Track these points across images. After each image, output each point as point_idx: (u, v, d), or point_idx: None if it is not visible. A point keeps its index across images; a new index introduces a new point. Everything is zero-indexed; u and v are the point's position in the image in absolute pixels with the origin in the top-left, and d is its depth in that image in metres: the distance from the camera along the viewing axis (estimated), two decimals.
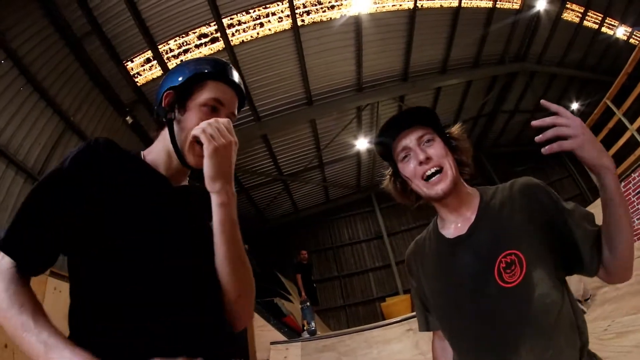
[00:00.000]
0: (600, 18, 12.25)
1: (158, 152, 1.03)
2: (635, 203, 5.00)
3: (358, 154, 13.15)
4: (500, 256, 1.00)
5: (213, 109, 0.99)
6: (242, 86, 1.07)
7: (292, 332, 6.48)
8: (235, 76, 1.05)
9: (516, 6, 10.80)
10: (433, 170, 1.09)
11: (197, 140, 0.93)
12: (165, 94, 1.01)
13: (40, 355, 0.73)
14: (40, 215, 0.84)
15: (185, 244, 0.92)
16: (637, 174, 4.99)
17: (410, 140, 1.14)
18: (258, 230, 14.07)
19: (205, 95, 0.98)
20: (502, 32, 11.09)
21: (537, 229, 1.02)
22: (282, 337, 5.55)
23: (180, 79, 1.00)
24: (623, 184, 5.03)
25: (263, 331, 5.39)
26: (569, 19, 11.89)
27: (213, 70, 1.01)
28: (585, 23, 12.18)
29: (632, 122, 5.46)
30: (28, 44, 6.27)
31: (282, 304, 7.99)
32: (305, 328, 7.03)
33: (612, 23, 12.55)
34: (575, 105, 14.68)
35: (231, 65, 1.07)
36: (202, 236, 0.95)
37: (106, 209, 0.86)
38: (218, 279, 0.93)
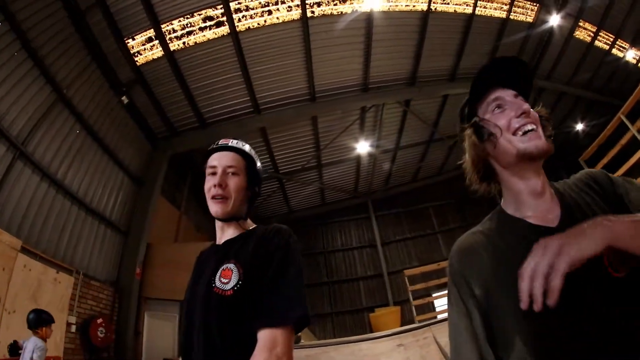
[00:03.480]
0: (612, 39, 12.12)
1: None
2: None
3: (358, 158, 12.86)
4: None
5: (211, 174, 1.28)
6: (228, 143, 1.32)
7: None
8: (220, 142, 1.33)
9: (530, 19, 10.66)
10: (530, 127, 0.94)
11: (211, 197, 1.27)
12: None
13: None
14: None
15: (200, 303, 1.15)
16: None
17: (506, 93, 1.00)
18: None
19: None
20: (513, 46, 10.93)
21: None
22: None
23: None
24: None
25: None
26: (581, 38, 11.77)
27: (205, 154, 1.35)
28: (597, 43, 12.05)
29: None
30: (28, 10, 6.02)
31: None
32: None
33: (623, 45, 12.43)
34: (580, 126, 14.57)
35: (222, 140, 1.34)
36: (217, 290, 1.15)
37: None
38: (231, 333, 1.08)
